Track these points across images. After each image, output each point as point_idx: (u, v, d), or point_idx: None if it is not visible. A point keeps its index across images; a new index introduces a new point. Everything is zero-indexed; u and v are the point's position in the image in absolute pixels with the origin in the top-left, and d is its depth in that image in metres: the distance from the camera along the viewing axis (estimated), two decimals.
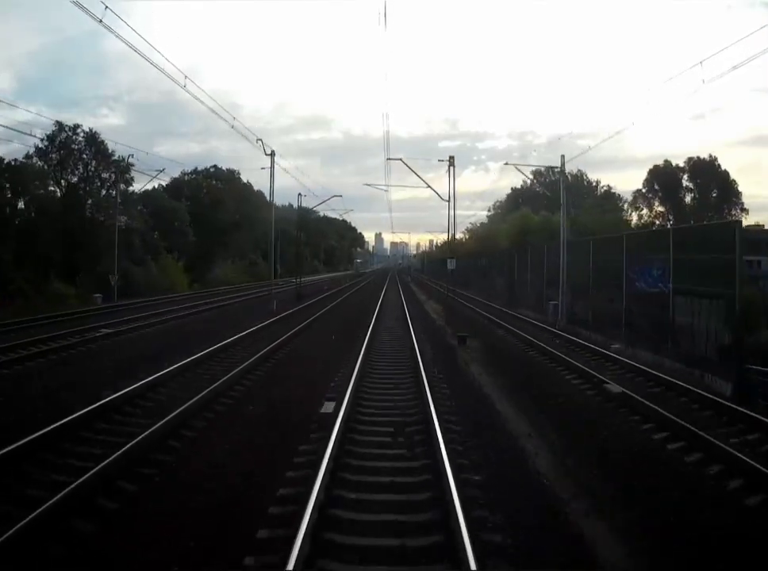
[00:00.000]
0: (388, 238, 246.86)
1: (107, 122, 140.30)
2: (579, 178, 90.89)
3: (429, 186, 21.27)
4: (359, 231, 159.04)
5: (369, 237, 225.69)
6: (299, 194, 32.88)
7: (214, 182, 76.97)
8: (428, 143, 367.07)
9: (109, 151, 48.01)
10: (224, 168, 79.21)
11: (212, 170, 78.38)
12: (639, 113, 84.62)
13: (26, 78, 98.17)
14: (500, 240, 44.98)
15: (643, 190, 68.40)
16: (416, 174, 20.51)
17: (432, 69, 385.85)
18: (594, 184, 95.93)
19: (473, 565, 3.94)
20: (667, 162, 67.02)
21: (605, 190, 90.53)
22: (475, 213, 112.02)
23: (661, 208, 67.52)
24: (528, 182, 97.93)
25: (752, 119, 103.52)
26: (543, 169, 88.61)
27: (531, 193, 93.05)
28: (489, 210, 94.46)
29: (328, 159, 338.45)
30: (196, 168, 78.42)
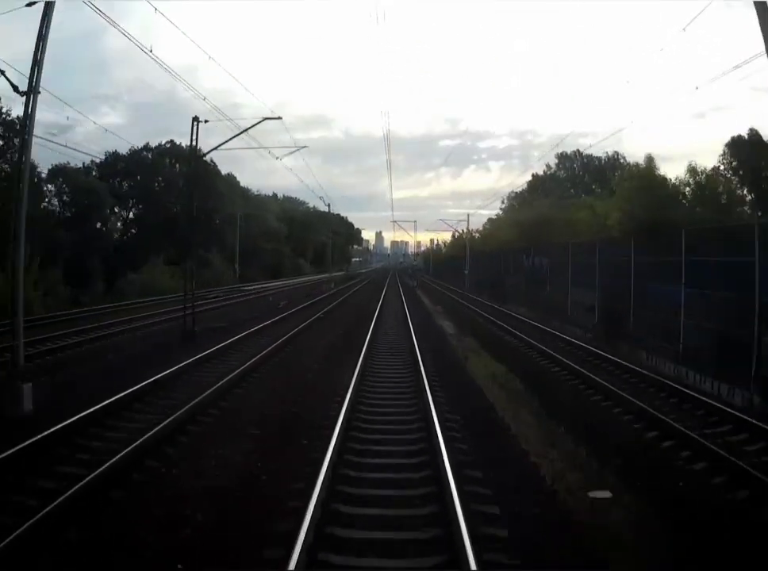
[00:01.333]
0: (388, 236, 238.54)
1: (107, 121, 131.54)
2: (614, 159, 75.52)
3: None
4: (356, 227, 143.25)
5: (370, 236, 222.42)
6: (194, 119, 16.55)
7: (168, 161, 61.34)
8: (429, 143, 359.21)
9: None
10: (182, 144, 63.41)
11: (167, 146, 62.68)
12: (638, 112, 75.08)
13: (26, 77, 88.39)
14: (579, 223, 29.26)
15: (722, 168, 52.11)
16: None
17: (433, 68, 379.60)
18: (633, 166, 79.18)
19: None
20: (753, 131, 50.73)
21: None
22: (476, 211, 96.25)
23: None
24: (554, 166, 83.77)
25: (753, 118, 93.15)
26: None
27: (556, 181, 78.92)
28: (503, 201, 79.57)
29: (329, 159, 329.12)
30: (147, 143, 62.81)
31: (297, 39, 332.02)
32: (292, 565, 3.84)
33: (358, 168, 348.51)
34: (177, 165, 62.88)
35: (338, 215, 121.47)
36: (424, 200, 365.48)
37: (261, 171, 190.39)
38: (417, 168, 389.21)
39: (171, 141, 63.69)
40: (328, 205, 43.18)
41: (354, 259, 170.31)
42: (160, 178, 59.65)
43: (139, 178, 58.53)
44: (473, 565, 3.80)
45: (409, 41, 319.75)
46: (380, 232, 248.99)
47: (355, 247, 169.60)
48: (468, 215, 46.24)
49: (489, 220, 73.93)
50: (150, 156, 60.43)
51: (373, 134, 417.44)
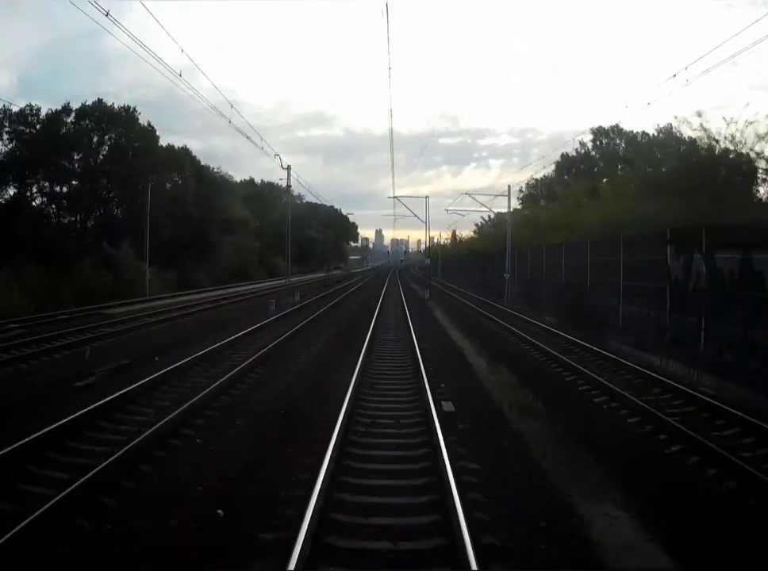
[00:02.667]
0: (388, 234, 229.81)
1: None
2: (667, 132, 59.44)
3: None
4: (351, 220, 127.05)
5: (370, 234, 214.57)
6: None
7: (87, 123, 45.42)
8: (429, 140, 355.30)
9: None
10: (115, 105, 47.36)
11: (92, 105, 46.72)
12: (638, 109, 65.89)
13: (27, 75, 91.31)
14: None
15: None
16: None
17: (433, 66, 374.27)
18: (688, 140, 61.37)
19: None
20: None
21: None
22: (477, 209, 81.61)
23: None
24: (589, 144, 68.39)
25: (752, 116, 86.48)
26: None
27: (593, 161, 64.37)
28: (521, 190, 65.62)
29: (329, 157, 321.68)
30: (68, 104, 46.86)
31: (299, 38, 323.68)
32: None
33: (358, 166, 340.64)
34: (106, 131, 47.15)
35: (331, 207, 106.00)
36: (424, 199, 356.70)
37: (261, 170, 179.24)
38: (417, 166, 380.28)
39: (99, 100, 47.82)
40: (288, 168, 26.86)
41: (352, 258, 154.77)
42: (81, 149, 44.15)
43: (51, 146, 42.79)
44: None
45: (409, 41, 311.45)
46: (380, 230, 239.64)
47: (352, 244, 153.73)
48: (509, 187, 30.28)
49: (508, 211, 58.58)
50: (63, 119, 44.48)
51: (373, 132, 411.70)
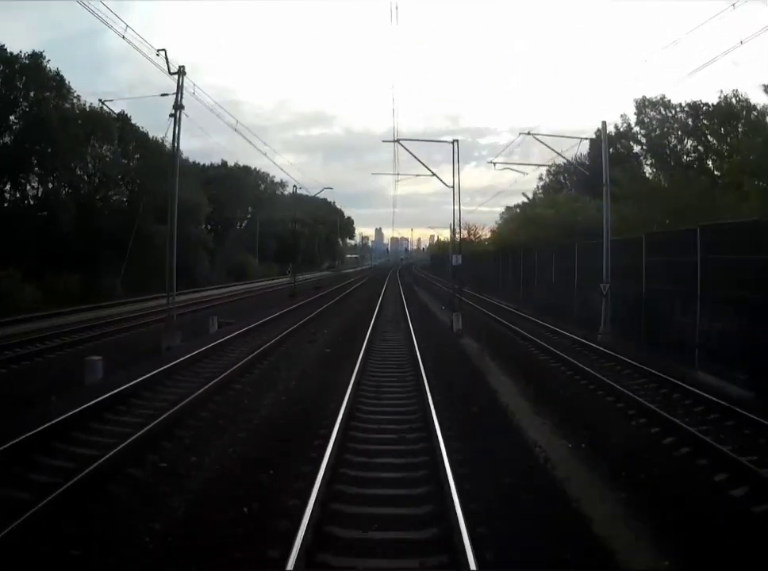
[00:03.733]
0: (388, 233, 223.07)
1: None
2: (729, 101, 46.56)
3: None
4: (347, 215, 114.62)
5: (369, 233, 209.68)
6: None
7: None
8: (429, 139, 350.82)
9: None
10: (22, 53, 34.84)
11: None
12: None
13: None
14: None
15: None
16: None
17: (433, 65, 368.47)
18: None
19: None
20: None
21: None
22: (476, 208, 70.35)
23: None
24: (632, 118, 54.70)
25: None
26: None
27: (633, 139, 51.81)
28: (540, 178, 54.54)
29: (330, 156, 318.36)
30: None
31: (299, 39, 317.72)
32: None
33: (358, 165, 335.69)
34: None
35: (324, 199, 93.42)
36: (425, 197, 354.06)
37: (259, 168, 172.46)
38: (416, 164, 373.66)
39: (1, 47, 35.25)
40: (179, 73, 14.18)
41: (349, 256, 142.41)
42: None
43: None
44: None
45: (410, 41, 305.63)
46: (380, 229, 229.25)
47: (350, 241, 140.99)
48: (604, 124, 17.94)
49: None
50: None
51: (373, 131, 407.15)
